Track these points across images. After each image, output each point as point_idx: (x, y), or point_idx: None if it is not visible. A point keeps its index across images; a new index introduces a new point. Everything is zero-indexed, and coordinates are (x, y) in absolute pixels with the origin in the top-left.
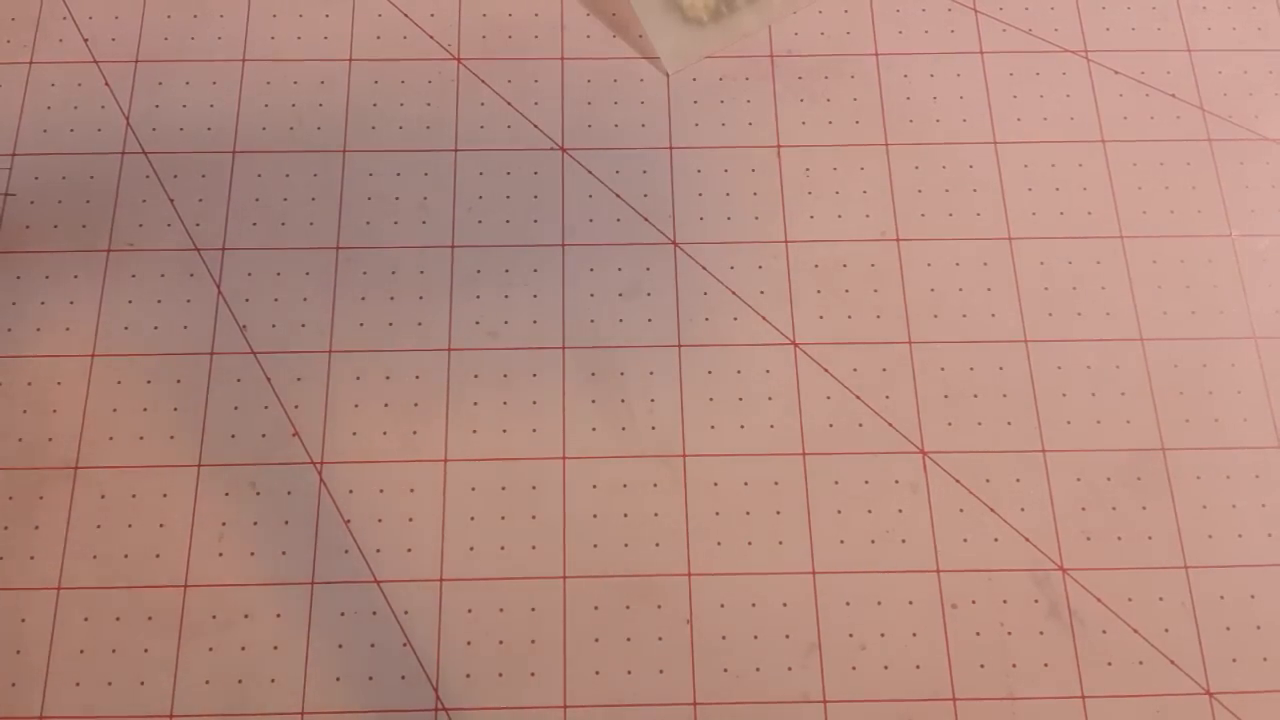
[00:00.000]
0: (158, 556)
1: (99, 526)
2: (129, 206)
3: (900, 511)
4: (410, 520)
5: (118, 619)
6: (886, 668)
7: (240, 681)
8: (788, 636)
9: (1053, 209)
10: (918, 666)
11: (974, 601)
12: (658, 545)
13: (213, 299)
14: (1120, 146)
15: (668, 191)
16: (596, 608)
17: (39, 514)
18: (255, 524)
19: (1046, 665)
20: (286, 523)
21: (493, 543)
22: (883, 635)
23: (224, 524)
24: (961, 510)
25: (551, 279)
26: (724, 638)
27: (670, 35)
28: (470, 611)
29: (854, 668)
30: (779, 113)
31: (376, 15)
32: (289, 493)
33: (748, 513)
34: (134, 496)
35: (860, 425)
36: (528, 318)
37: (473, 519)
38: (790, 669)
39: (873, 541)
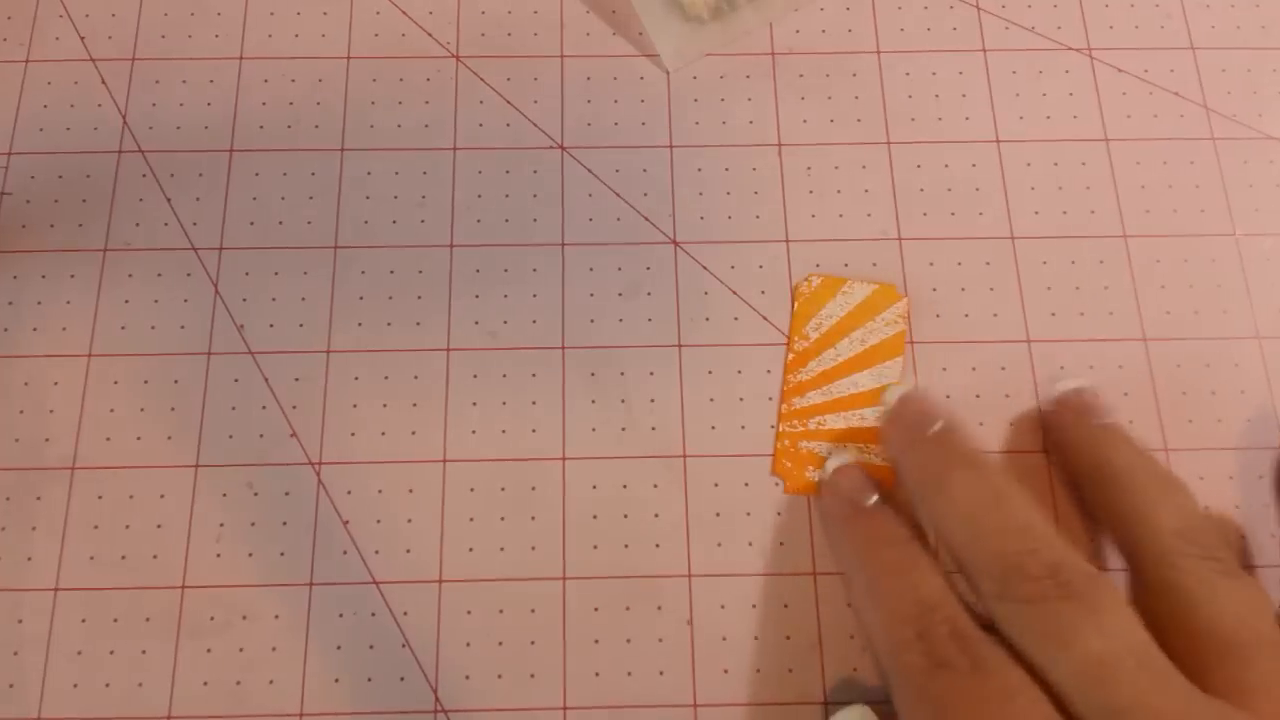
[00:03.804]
0: (155, 557)
1: (96, 527)
2: (126, 205)
3: None
4: (409, 521)
5: (115, 620)
6: None
7: (239, 683)
8: (788, 638)
9: (1055, 208)
10: None
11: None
12: (658, 546)
13: (210, 299)
14: (1123, 145)
15: (668, 190)
16: (596, 609)
17: (36, 515)
18: (253, 525)
19: None
20: (284, 524)
21: (492, 544)
22: None
23: (222, 525)
24: None
25: (551, 278)
26: (724, 639)
27: (671, 33)
28: (470, 613)
29: (855, 669)
30: (780, 111)
31: (374, 13)
32: (287, 493)
33: (748, 514)
34: (131, 497)
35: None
36: (527, 317)
37: (472, 520)
38: (791, 670)
39: None
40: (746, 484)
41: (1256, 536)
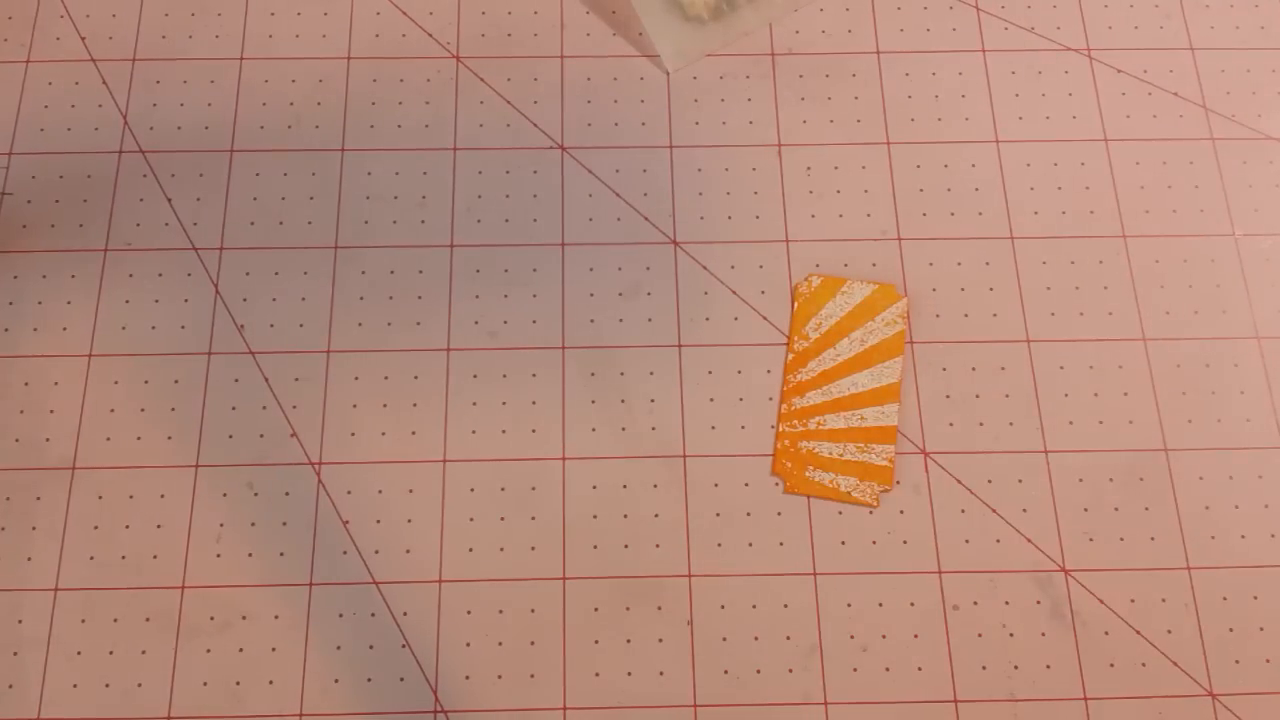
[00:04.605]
0: (155, 557)
1: (96, 527)
2: (126, 206)
3: (902, 513)
4: (409, 521)
5: (115, 620)
6: (888, 669)
7: (238, 683)
8: (789, 638)
9: (1055, 208)
10: (919, 668)
11: (976, 603)
12: (658, 546)
13: (210, 299)
14: (1123, 145)
15: (668, 191)
16: (596, 609)
17: (36, 515)
18: (253, 525)
19: (1049, 667)
20: (285, 524)
21: (492, 544)
22: (884, 637)
23: (222, 525)
24: (963, 511)
25: (551, 279)
26: (724, 639)
27: (671, 33)
28: (469, 613)
29: (855, 669)
30: (780, 111)
31: (375, 14)
32: (287, 493)
33: (748, 514)
34: (131, 497)
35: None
36: (527, 317)
37: (472, 520)
38: (791, 670)
39: (874, 542)
40: (746, 484)
41: (1257, 536)
